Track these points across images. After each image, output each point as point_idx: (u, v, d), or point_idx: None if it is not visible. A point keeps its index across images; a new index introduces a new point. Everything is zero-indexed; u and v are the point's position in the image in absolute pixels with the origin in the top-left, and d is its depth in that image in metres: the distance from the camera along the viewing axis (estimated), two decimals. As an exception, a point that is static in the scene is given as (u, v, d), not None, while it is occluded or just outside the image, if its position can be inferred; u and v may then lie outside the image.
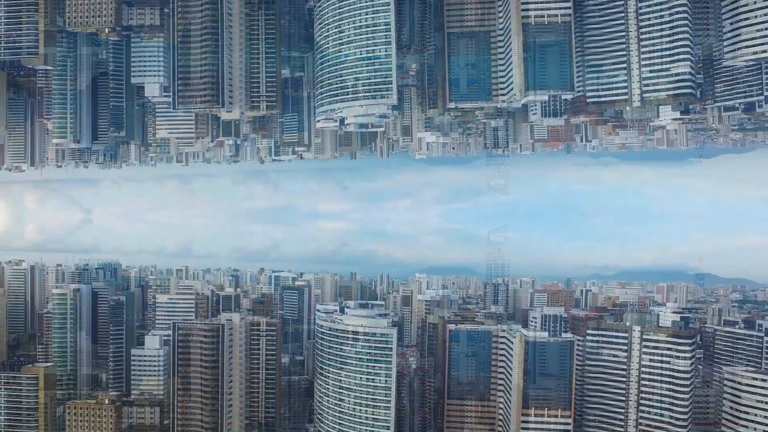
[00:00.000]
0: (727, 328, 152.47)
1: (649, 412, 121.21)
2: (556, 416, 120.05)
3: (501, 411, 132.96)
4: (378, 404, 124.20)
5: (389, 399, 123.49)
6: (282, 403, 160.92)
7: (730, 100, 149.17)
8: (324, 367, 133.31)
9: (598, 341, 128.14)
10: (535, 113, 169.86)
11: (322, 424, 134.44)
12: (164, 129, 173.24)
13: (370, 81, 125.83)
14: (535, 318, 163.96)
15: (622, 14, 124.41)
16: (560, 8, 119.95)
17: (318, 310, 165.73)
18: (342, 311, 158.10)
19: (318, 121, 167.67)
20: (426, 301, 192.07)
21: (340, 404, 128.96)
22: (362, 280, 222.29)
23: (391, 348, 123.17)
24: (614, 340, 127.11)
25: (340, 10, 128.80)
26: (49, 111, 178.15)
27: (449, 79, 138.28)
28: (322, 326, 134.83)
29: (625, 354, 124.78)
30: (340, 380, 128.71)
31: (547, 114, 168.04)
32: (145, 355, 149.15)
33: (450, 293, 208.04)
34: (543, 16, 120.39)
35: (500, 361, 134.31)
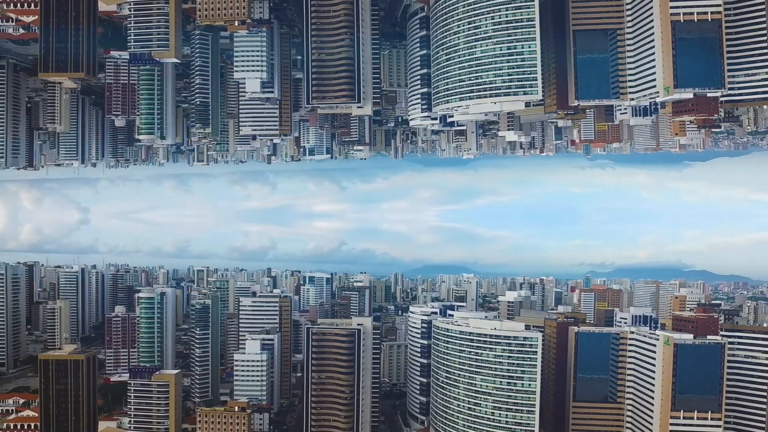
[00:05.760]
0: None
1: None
2: (706, 419, 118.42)
3: (630, 413, 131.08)
4: (521, 408, 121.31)
5: (533, 403, 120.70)
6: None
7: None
8: (451, 370, 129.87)
9: (733, 342, 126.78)
10: (624, 113, 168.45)
11: (446, 429, 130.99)
12: (248, 125, 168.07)
13: (511, 77, 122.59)
14: (625, 318, 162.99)
15: (764, 11, 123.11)
16: (710, 5, 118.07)
17: (413, 312, 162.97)
18: (444, 314, 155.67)
19: (413, 119, 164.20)
20: (509, 302, 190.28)
21: (474, 409, 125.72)
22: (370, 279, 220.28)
23: (536, 351, 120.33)
24: (751, 341, 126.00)
25: (475, 7, 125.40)
26: (116, 107, 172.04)
27: (576, 76, 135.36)
28: (448, 330, 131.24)
29: (766, 355, 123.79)
30: (475, 384, 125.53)
31: (638, 114, 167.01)
32: (248, 360, 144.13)
33: (530, 294, 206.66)
34: (692, 14, 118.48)
35: (628, 362, 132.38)
